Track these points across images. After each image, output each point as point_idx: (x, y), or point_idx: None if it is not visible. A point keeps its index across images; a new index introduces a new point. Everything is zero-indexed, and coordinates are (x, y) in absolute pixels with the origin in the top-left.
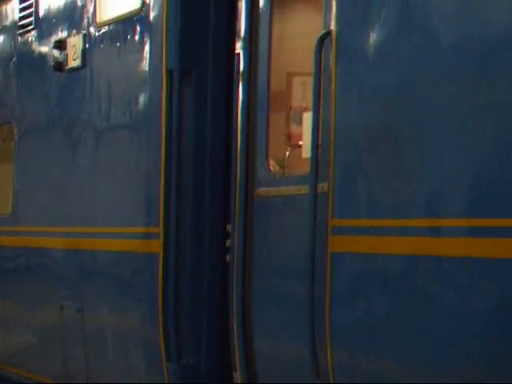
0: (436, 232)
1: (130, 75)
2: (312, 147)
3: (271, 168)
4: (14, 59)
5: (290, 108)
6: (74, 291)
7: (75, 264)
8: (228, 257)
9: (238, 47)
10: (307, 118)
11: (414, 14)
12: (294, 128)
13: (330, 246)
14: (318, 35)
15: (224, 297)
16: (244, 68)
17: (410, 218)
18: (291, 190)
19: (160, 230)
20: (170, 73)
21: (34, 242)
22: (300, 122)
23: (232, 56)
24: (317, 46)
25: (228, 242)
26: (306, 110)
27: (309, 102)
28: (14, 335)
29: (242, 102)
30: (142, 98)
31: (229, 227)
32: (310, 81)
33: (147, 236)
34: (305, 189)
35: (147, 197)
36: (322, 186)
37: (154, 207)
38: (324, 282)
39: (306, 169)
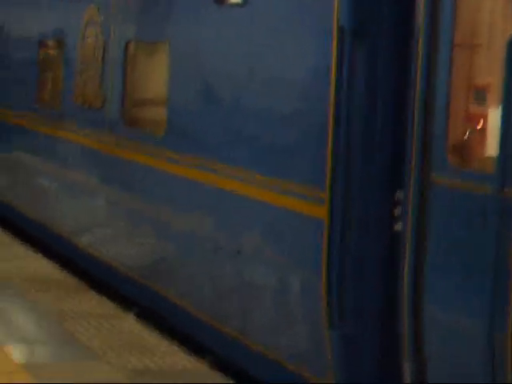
0: None
1: (295, 24)
2: (501, 147)
3: (449, 156)
4: None
5: (474, 86)
6: (231, 232)
7: (231, 206)
8: (397, 226)
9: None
10: (493, 113)
11: None
12: (475, 109)
13: None
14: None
15: (389, 266)
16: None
17: None
18: (470, 185)
19: (326, 194)
20: (340, 30)
21: (189, 173)
22: (483, 102)
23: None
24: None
25: (397, 211)
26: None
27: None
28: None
29: (422, 71)
30: (307, 53)
31: (399, 194)
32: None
33: (311, 198)
34: (487, 188)
35: (312, 155)
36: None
37: (318, 167)
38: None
39: (489, 164)
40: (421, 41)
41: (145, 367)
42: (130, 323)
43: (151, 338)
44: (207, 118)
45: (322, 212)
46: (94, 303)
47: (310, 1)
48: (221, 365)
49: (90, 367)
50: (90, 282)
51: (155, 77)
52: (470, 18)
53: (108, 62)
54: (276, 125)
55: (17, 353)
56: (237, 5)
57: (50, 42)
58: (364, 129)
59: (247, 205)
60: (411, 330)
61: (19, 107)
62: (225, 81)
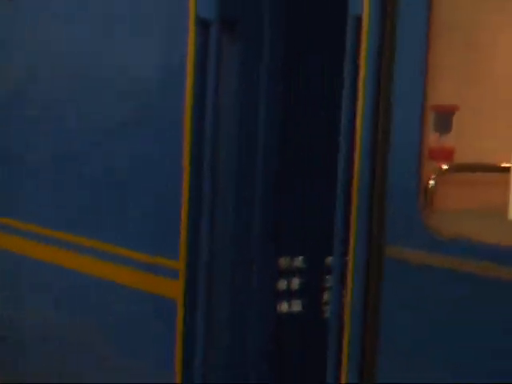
0: None
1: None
2: None
3: (425, 218)
4: None
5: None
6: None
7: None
8: (281, 305)
9: None
10: None
11: None
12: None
13: None
14: None
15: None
16: None
17: None
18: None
19: (180, 264)
20: (201, 24)
21: None
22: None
23: None
24: None
25: (281, 284)
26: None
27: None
28: None
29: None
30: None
31: (283, 261)
32: None
33: (157, 270)
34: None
35: (159, 209)
36: None
37: (169, 228)
38: None
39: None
40: None
41: None
42: None
43: None
44: None
45: (172, 289)
46: None
47: None
48: None
49: None
50: None
51: None
52: None
53: None
54: None
55: None
56: None
57: None
58: (238, 164)
59: None
60: None
61: None
62: None
